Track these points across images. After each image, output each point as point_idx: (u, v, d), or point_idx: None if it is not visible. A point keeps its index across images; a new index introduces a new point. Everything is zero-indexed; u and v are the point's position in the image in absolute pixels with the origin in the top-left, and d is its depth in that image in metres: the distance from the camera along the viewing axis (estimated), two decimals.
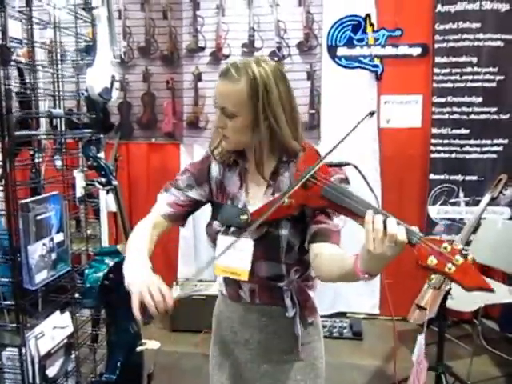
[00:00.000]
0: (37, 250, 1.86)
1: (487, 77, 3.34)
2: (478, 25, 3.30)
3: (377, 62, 3.47)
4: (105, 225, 2.36)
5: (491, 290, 0.93)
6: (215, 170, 1.39)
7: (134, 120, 3.71)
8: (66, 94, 2.32)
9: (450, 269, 0.94)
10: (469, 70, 3.35)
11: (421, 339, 1.16)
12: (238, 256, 1.32)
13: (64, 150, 2.24)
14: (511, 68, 3.33)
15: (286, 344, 1.38)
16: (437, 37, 3.37)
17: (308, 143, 1.36)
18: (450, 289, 2.49)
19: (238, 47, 3.55)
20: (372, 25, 3.43)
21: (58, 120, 2.34)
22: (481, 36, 3.31)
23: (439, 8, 3.35)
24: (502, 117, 3.38)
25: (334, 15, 3.46)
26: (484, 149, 3.42)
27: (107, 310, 2.23)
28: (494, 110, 3.37)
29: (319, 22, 3.48)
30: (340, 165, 1.27)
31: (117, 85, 2.32)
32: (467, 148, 3.43)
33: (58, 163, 2.32)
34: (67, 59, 2.40)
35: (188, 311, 3.40)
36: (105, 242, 2.44)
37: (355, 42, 3.47)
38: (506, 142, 3.40)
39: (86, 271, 2.11)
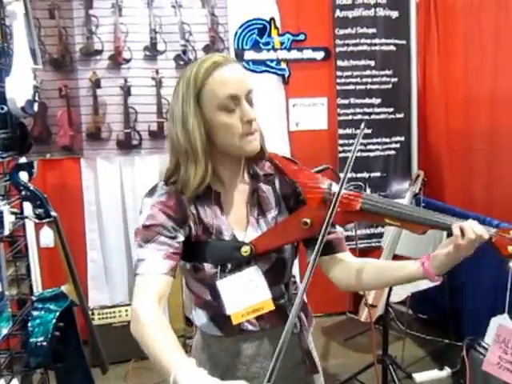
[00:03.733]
0: None
1: (384, 79, 3.58)
2: (374, 30, 3.51)
3: (283, 65, 3.50)
4: (36, 264, 1.98)
5: None
6: (188, 206, 1.18)
7: None
8: None
9: None
10: (368, 72, 3.55)
11: (500, 321, 1.21)
12: (250, 290, 1.20)
13: None
14: (403, 70, 3.61)
15: (296, 360, 1.31)
16: (337, 41, 3.51)
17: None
18: None
19: (139, 50, 3.28)
20: (277, 28, 3.44)
21: None
22: (376, 41, 3.52)
23: (338, 13, 3.48)
24: (398, 116, 3.66)
25: (239, 18, 3.39)
26: (384, 146, 3.66)
27: (55, 364, 1.88)
28: (390, 110, 3.63)
29: (224, 25, 3.38)
30: (322, 170, 1.30)
31: (36, 96, 1.96)
32: (370, 146, 3.64)
33: None
34: None
35: (108, 342, 3.05)
36: (37, 284, 2.05)
37: (261, 45, 3.45)
38: (402, 139, 3.69)
39: (30, 324, 1.75)
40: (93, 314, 3.13)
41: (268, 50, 3.46)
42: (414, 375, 2.88)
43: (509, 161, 3.72)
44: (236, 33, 3.40)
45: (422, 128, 3.68)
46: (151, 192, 1.20)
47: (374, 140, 3.63)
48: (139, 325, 1.03)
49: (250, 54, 3.44)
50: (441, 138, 3.60)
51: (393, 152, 3.68)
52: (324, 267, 1.28)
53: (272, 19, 3.43)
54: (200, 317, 1.29)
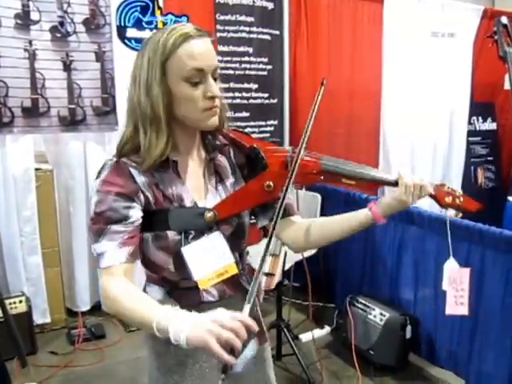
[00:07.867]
0: None
1: (260, 66, 3.79)
2: (252, 19, 3.68)
3: None
4: None
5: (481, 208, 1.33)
6: (138, 175, 1.18)
7: None
8: None
9: (460, 201, 1.30)
10: (246, 59, 3.72)
11: (450, 265, 1.41)
12: (214, 255, 1.24)
13: None
14: (277, 59, 3.87)
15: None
16: (218, 26, 3.60)
17: None
18: (286, 253, 2.86)
19: (9, 18, 2.96)
20: (160, 8, 3.41)
21: None
22: (254, 29, 3.71)
23: None
24: (272, 101, 3.91)
25: None
26: (261, 129, 3.90)
27: None
28: (266, 95, 3.87)
29: (106, 0, 3.23)
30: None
31: None
32: (248, 129, 3.83)
33: None
34: None
35: None
36: None
37: (144, 24, 3.38)
38: (276, 122, 3.97)
39: None
40: None
41: (151, 29, 3.40)
42: (300, 336, 3.19)
43: (360, 141, 4.30)
44: (118, 8, 3.28)
45: (293, 113, 4.00)
46: (99, 172, 1.19)
47: (252, 123, 3.84)
48: (110, 299, 1.11)
49: (132, 32, 3.35)
50: None
51: (268, 135, 3.94)
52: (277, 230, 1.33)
53: None
54: (155, 295, 1.25)
